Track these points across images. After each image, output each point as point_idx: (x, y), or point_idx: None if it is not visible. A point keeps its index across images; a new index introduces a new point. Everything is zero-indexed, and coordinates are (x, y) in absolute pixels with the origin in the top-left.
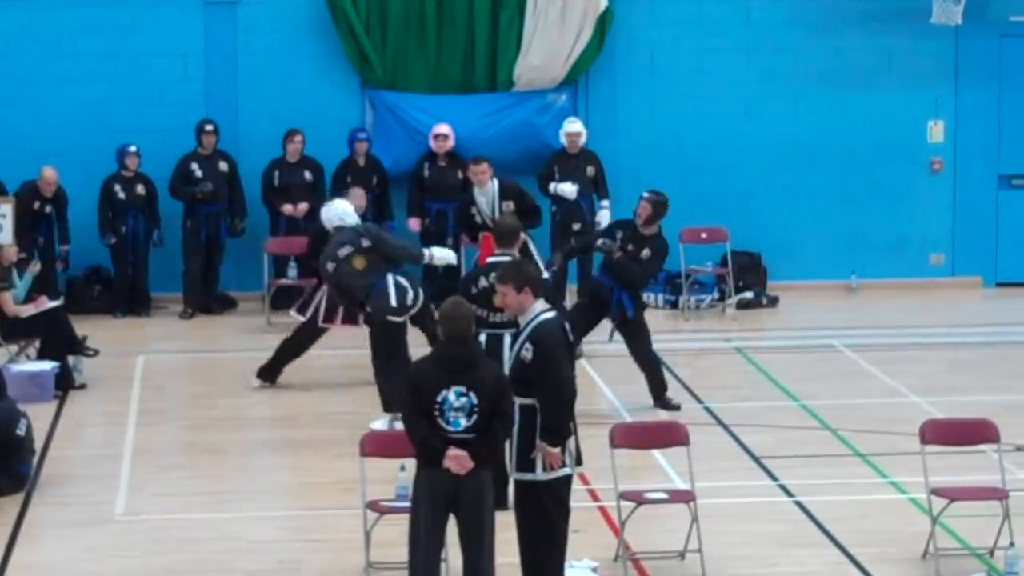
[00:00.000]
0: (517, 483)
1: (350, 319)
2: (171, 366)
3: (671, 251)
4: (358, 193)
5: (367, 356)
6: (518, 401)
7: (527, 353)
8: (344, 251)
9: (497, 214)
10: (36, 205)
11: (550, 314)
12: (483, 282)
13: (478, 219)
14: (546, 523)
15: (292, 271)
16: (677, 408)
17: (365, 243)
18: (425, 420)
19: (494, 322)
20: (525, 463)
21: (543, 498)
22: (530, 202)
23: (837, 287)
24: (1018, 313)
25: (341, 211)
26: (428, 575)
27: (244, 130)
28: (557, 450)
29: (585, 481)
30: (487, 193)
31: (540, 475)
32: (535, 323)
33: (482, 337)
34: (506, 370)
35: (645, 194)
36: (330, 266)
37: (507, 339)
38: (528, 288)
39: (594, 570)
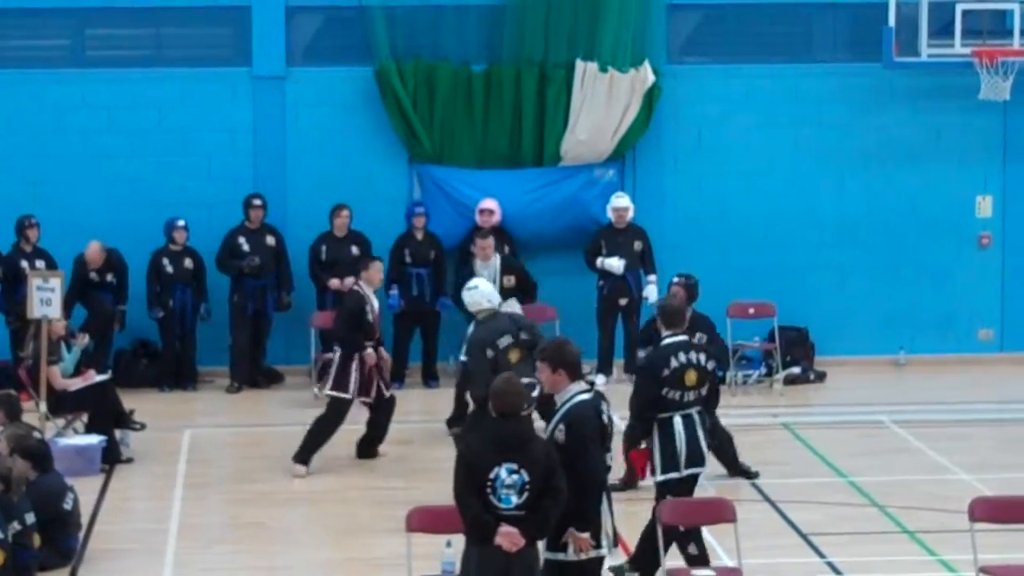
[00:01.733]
0: (548, 562)
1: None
2: (217, 440)
3: (721, 327)
4: (378, 267)
5: (416, 430)
6: None
7: (560, 435)
8: (504, 341)
9: (498, 288)
10: (91, 276)
11: (586, 396)
12: (673, 362)
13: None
14: None
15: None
16: (756, 475)
17: (524, 336)
18: (477, 497)
19: (687, 401)
20: (555, 543)
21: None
22: (530, 279)
23: (885, 363)
24: None
25: (489, 292)
26: None
27: (292, 205)
28: (586, 535)
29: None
30: (490, 267)
31: (571, 555)
32: (569, 404)
33: (677, 419)
34: None
35: (675, 279)
36: (489, 353)
37: (696, 417)
38: (562, 370)
39: None
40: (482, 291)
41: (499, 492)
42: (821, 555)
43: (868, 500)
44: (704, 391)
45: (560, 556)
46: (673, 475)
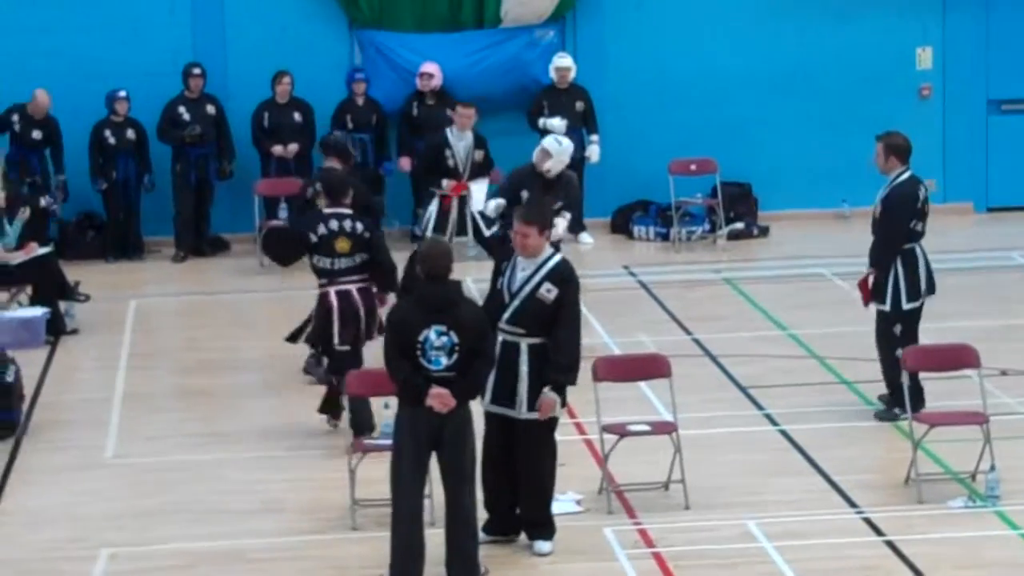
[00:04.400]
0: (528, 422)
1: None
2: (163, 309)
3: (664, 185)
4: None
5: None
6: (528, 341)
7: (548, 294)
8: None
9: (470, 161)
10: (25, 132)
11: (560, 255)
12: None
13: (451, 162)
14: (553, 454)
15: (283, 212)
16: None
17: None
18: (407, 360)
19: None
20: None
21: (553, 431)
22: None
23: (829, 216)
24: (1009, 238)
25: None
26: (412, 512)
27: (233, 73)
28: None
29: (571, 415)
30: (466, 138)
31: (560, 410)
32: (553, 263)
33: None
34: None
35: None
36: None
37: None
38: (547, 231)
39: (578, 503)
40: (565, 147)
41: (429, 354)
42: (759, 407)
43: (808, 352)
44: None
45: (511, 412)
46: (915, 304)
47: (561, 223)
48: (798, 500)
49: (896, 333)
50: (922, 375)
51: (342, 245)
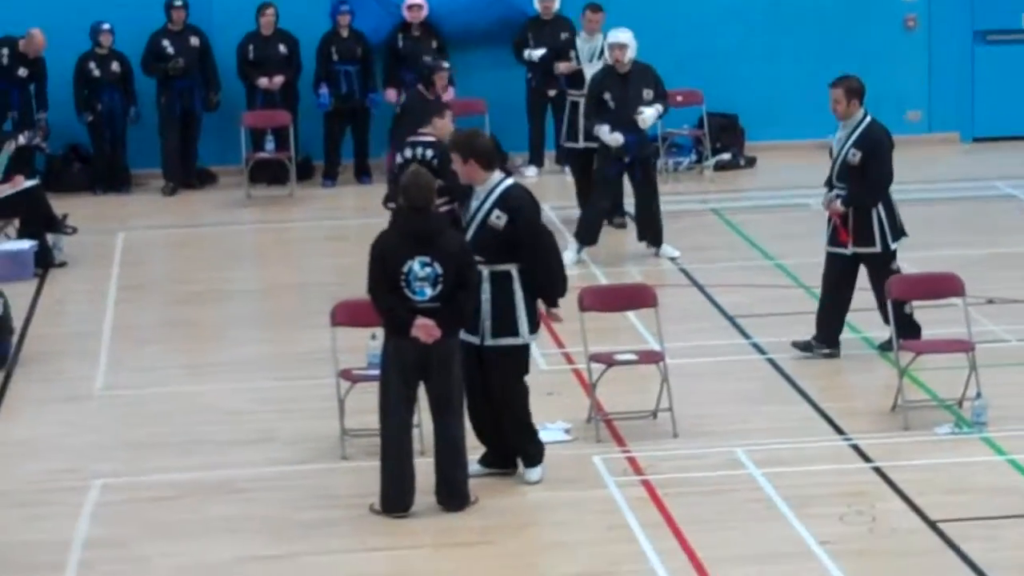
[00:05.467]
0: (492, 348)
1: None
2: (151, 242)
3: None
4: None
5: (350, 226)
6: (488, 269)
7: (498, 220)
8: None
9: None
10: (12, 67)
11: (510, 180)
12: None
13: (575, 63)
14: (522, 383)
15: (270, 144)
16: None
17: None
18: (392, 291)
19: None
20: (505, 329)
21: (521, 360)
22: None
23: (815, 147)
24: (994, 168)
25: None
26: (400, 441)
27: (217, 4)
28: (559, 309)
29: (559, 344)
30: (594, 42)
31: (527, 338)
32: (502, 189)
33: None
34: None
35: None
36: None
37: None
38: (473, 160)
39: (567, 431)
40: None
41: (413, 285)
42: (746, 336)
43: (794, 281)
44: None
45: (509, 341)
46: (899, 243)
47: (651, 113)
48: (785, 427)
49: (894, 270)
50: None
51: None
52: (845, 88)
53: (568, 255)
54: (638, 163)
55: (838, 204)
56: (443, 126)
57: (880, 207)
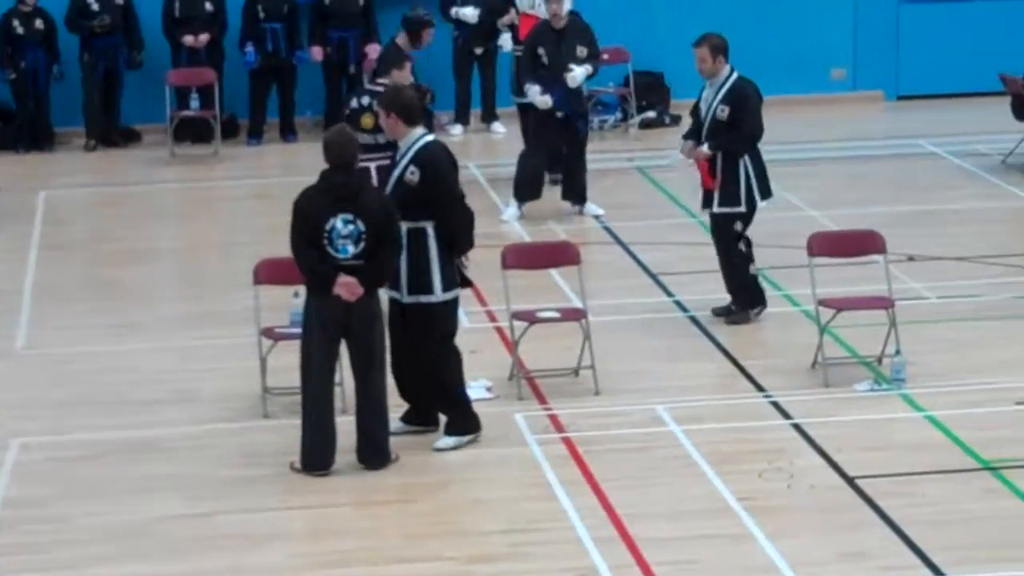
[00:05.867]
0: (410, 306)
1: None
2: (74, 200)
3: None
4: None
5: (275, 184)
6: (406, 225)
7: (412, 176)
8: None
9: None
10: None
11: (430, 137)
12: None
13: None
14: (445, 345)
15: (194, 102)
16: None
17: None
18: (315, 249)
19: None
20: (419, 286)
21: (438, 318)
22: None
23: None
24: (919, 126)
25: None
26: (322, 399)
27: None
28: (467, 259)
29: (482, 302)
30: None
31: (440, 295)
32: (418, 146)
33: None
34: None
35: None
36: None
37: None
38: (395, 114)
39: (489, 389)
40: None
41: (336, 243)
42: (669, 293)
43: None
44: None
45: (424, 298)
46: (766, 200)
47: (580, 72)
48: (706, 385)
49: (738, 231)
50: (829, 260)
51: (366, 121)
52: (709, 46)
53: (510, 211)
54: (575, 118)
55: (704, 148)
56: (401, 77)
57: (749, 165)
